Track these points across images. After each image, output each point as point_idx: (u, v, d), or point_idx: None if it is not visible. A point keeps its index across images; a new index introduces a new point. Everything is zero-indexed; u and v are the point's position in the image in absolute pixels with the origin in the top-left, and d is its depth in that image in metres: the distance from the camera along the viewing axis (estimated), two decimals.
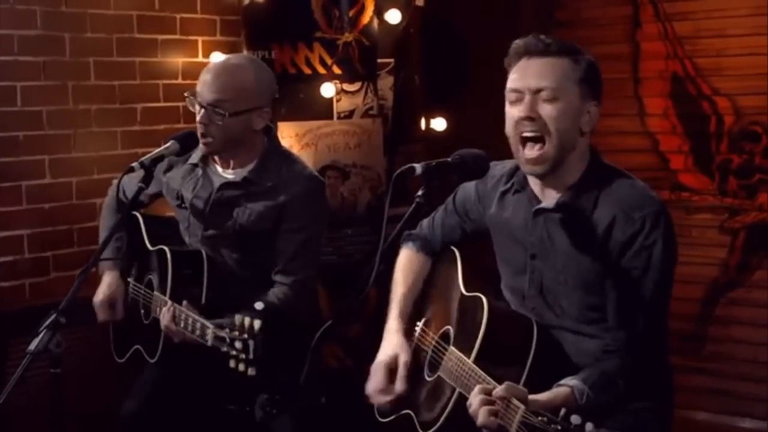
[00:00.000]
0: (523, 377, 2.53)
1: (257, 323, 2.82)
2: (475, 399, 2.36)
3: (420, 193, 2.49)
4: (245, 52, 4.70)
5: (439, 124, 4.96)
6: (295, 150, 4.55)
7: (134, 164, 3.06)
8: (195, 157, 3.46)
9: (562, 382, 2.49)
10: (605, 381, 2.50)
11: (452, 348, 2.73)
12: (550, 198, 2.71)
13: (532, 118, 2.61)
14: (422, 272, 3.07)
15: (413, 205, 2.48)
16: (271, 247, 3.38)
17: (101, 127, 4.60)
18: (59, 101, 4.46)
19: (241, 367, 2.83)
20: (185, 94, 3.37)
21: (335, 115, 4.61)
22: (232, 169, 3.42)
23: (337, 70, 4.59)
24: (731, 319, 4.93)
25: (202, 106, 3.29)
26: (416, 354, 2.91)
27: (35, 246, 4.40)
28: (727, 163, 4.88)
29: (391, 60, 4.68)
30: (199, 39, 4.95)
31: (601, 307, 2.64)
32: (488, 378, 2.50)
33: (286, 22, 4.59)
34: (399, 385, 2.83)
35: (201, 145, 3.36)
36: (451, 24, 5.02)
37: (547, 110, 2.60)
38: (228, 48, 4.92)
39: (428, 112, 4.90)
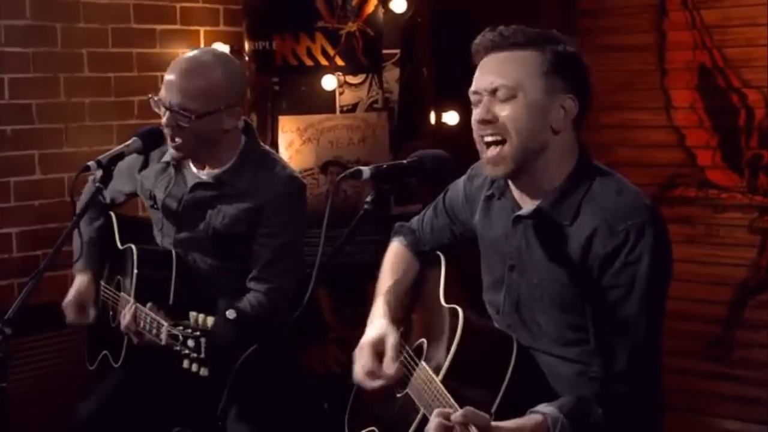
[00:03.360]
0: (496, 402, 2.30)
1: (210, 320, 2.73)
2: (432, 423, 2.13)
3: (368, 199, 2.27)
4: (246, 43, 4.57)
5: (451, 117, 4.75)
6: (297, 145, 4.40)
7: (90, 163, 2.87)
8: (168, 155, 3.28)
9: (536, 408, 2.25)
10: (584, 410, 2.26)
11: (423, 363, 2.50)
12: (528, 204, 2.47)
13: (489, 120, 2.38)
14: (410, 269, 2.83)
15: (360, 213, 2.26)
16: (248, 254, 3.20)
17: (95, 121, 4.48)
18: (50, 94, 4.37)
19: (194, 367, 2.75)
20: (148, 96, 3.18)
21: (338, 109, 4.45)
22: (208, 169, 3.25)
23: (339, 62, 4.42)
24: (761, 323, 4.71)
25: (167, 109, 3.09)
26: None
27: (25, 244, 4.29)
28: (757, 159, 4.68)
29: (397, 51, 4.51)
30: (201, 29, 4.84)
31: (581, 327, 2.39)
32: (451, 400, 2.27)
33: (287, 12, 4.44)
34: (389, 367, 2.55)
35: (171, 152, 3.19)
36: (464, 12, 4.79)
37: (504, 111, 2.36)
38: (230, 38, 4.79)
39: (439, 105, 4.70)
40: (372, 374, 2.57)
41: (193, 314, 2.76)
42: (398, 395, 2.58)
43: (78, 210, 3.44)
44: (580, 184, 2.40)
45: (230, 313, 2.98)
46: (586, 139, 5.17)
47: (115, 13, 4.51)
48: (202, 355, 2.70)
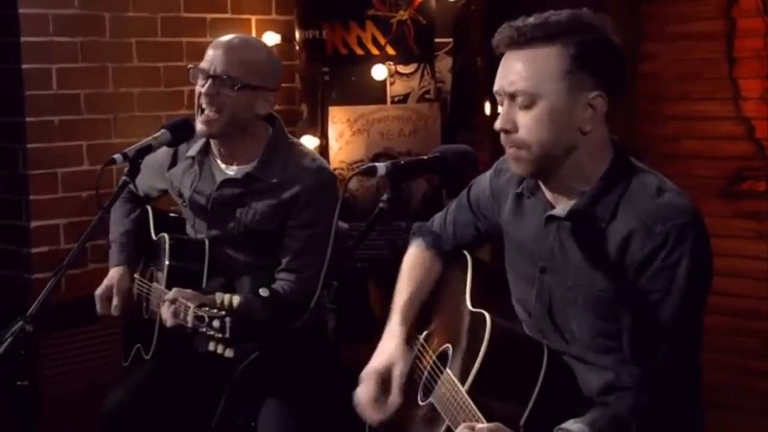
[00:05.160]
0: (525, 415, 2.18)
1: (236, 299, 2.65)
2: None
3: (384, 197, 2.15)
4: (297, 33, 4.53)
5: None
6: (347, 136, 4.33)
7: (116, 156, 2.80)
8: (193, 149, 3.23)
9: (564, 425, 2.12)
10: (616, 426, 2.13)
11: (448, 371, 2.38)
12: (562, 204, 2.32)
13: (508, 130, 2.24)
14: (431, 273, 2.71)
15: (375, 212, 2.15)
16: (279, 249, 3.14)
17: (144, 111, 4.44)
18: (98, 84, 4.34)
19: (219, 348, 2.67)
20: (188, 67, 3.16)
21: (389, 100, 4.37)
22: (236, 165, 3.19)
23: (390, 51, 4.34)
24: None
25: (210, 77, 3.07)
26: (413, 372, 2.57)
27: (72, 236, 4.25)
28: None
29: (450, 40, 4.43)
30: (252, 18, 4.78)
31: (614, 335, 2.24)
32: (478, 413, 2.16)
33: (337, 0, 4.39)
34: (394, 398, 2.46)
35: (199, 128, 3.10)
36: None
37: (524, 120, 2.21)
38: (282, 27, 4.73)
39: (494, 96, 4.54)
40: (374, 403, 2.48)
41: (219, 294, 2.69)
42: (422, 403, 2.47)
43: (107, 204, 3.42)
44: (616, 184, 2.25)
45: (263, 291, 2.92)
46: (650, 131, 5.02)
47: (165, 1, 4.47)
48: (227, 335, 2.62)
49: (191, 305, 2.79)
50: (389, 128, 4.36)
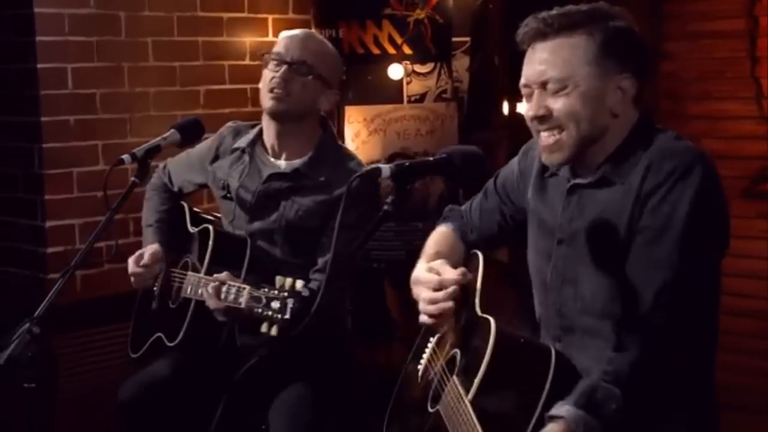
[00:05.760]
0: (530, 427, 2.13)
1: (299, 283, 2.62)
2: None
3: (389, 200, 2.12)
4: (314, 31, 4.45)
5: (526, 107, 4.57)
6: (363, 136, 4.33)
7: (124, 156, 2.81)
8: (243, 140, 3.33)
9: (552, 412, 2.09)
10: (604, 394, 2.11)
11: (454, 379, 2.34)
12: (585, 173, 2.35)
13: (543, 116, 2.27)
14: (456, 248, 2.67)
15: (380, 215, 2.11)
16: (316, 248, 3.19)
17: (160, 110, 4.42)
18: (114, 84, 4.32)
19: (274, 330, 2.59)
20: (263, 53, 3.31)
21: (405, 99, 4.41)
22: (284, 159, 3.26)
23: (407, 50, 4.39)
24: None
25: (285, 62, 3.18)
26: (424, 377, 2.54)
27: (88, 236, 4.20)
28: None
29: (468, 39, 4.46)
30: (269, 17, 4.74)
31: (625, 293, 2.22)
32: (477, 426, 2.12)
33: None
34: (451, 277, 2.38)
35: (269, 104, 3.18)
36: None
37: (558, 104, 2.25)
38: (300, 27, 4.60)
39: (512, 95, 4.53)
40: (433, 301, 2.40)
41: (279, 278, 2.66)
42: (430, 410, 2.42)
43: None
44: (638, 146, 2.28)
45: (304, 291, 2.91)
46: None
47: (181, 1, 4.44)
48: (287, 316, 2.59)
49: (246, 286, 2.81)
50: (406, 128, 4.37)
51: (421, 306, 2.42)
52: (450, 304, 2.37)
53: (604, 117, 2.27)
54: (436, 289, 2.38)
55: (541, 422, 2.13)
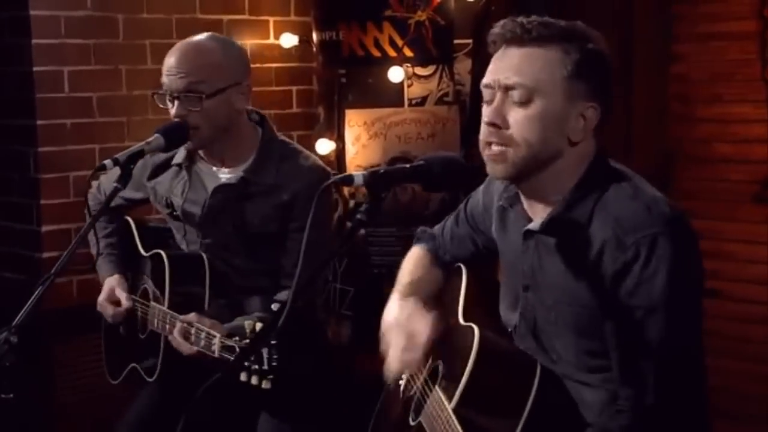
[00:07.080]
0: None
1: (258, 325, 2.57)
2: None
3: (362, 209, 2.04)
4: (314, 33, 4.47)
5: None
6: (364, 140, 4.28)
7: (106, 162, 2.72)
8: (178, 156, 3.13)
9: None
10: None
11: (436, 389, 2.27)
12: (538, 215, 2.22)
13: (498, 125, 2.12)
14: (432, 273, 2.58)
15: (352, 225, 2.04)
16: (279, 252, 3.05)
17: (158, 114, 4.30)
18: (111, 87, 4.29)
19: (254, 380, 2.54)
20: (151, 93, 3.09)
21: (406, 102, 4.34)
22: (227, 167, 3.10)
23: (408, 53, 4.31)
24: None
25: (174, 98, 2.97)
26: (405, 392, 2.47)
27: (84, 241, 4.16)
28: None
29: (470, 41, 4.38)
30: (270, 19, 4.70)
31: (601, 353, 2.13)
32: None
33: (354, 0, 4.36)
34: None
35: (185, 145, 3.05)
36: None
37: (517, 116, 2.10)
38: (301, 28, 4.65)
39: None
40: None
41: (248, 323, 2.62)
42: (412, 423, 2.36)
43: (94, 212, 3.34)
44: (592, 189, 2.15)
45: (274, 306, 2.88)
46: (681, 133, 4.87)
47: (180, 2, 4.40)
48: (265, 367, 2.53)
49: (217, 335, 2.72)
50: (407, 131, 4.32)
51: (388, 361, 2.36)
52: (419, 357, 2.32)
53: (560, 142, 2.13)
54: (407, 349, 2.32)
55: (527, 428, 2.06)
